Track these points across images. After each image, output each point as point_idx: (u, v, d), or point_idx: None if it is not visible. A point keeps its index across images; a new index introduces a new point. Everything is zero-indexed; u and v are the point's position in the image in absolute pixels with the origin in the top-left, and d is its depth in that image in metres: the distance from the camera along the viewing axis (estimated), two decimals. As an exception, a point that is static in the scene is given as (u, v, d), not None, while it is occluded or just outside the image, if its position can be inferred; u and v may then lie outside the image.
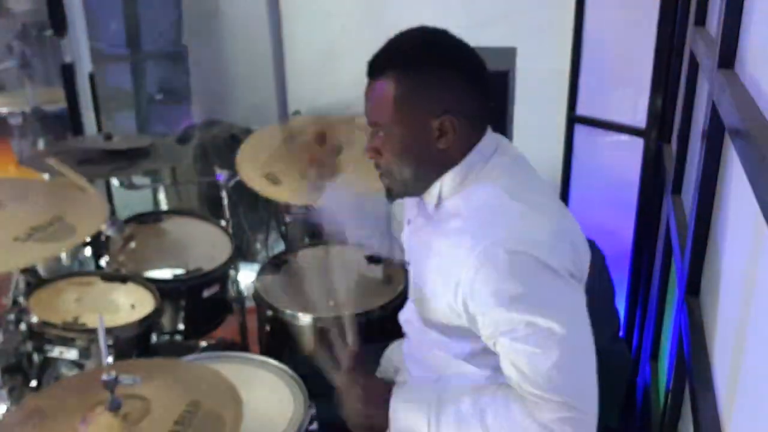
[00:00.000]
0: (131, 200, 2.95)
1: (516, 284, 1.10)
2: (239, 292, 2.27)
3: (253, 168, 2.11)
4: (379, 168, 1.29)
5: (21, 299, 1.77)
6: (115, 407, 1.22)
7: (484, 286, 1.12)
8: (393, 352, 1.59)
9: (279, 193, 2.05)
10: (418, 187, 1.30)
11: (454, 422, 1.19)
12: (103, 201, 1.91)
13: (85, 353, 1.70)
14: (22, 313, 1.73)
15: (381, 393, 1.27)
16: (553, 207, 1.24)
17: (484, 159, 1.24)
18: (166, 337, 2.10)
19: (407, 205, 1.44)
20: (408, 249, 1.40)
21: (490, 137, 1.27)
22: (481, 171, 1.24)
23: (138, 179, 2.37)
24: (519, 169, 1.27)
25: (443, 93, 1.21)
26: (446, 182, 1.25)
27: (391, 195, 1.32)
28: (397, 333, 1.65)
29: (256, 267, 2.18)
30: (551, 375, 1.10)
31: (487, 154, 1.25)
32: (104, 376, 1.21)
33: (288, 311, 1.94)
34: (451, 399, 1.21)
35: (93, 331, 1.69)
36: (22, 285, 1.82)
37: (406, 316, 1.45)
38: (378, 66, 1.25)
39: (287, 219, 2.37)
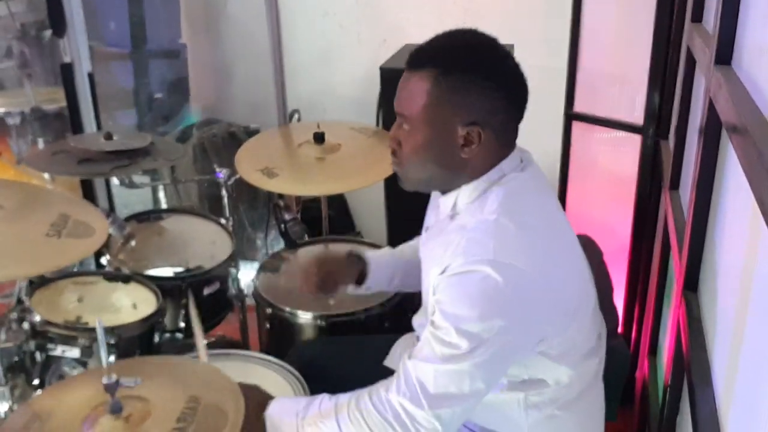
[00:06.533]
0: (131, 199, 2.96)
1: (470, 310, 1.12)
2: (240, 290, 2.28)
3: (250, 164, 2.13)
4: (395, 156, 1.28)
5: (24, 298, 1.78)
6: (116, 410, 1.22)
7: (448, 298, 1.14)
8: (401, 346, 1.59)
9: (275, 186, 2.07)
10: (430, 186, 1.31)
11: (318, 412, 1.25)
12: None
13: (87, 352, 1.71)
14: (24, 312, 1.74)
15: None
16: (547, 232, 1.23)
17: (502, 176, 1.24)
18: (167, 336, 2.10)
19: (428, 214, 1.45)
20: (422, 256, 1.40)
21: (515, 154, 1.26)
22: (498, 188, 1.22)
23: (138, 178, 2.36)
24: (530, 189, 1.26)
25: (477, 102, 1.19)
26: (462, 195, 1.25)
27: (402, 184, 1.32)
28: (397, 330, 1.66)
29: (256, 265, 2.18)
30: (427, 371, 1.14)
31: (507, 171, 1.24)
32: (105, 379, 1.21)
33: (287, 309, 1.94)
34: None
35: (95, 330, 1.68)
36: (24, 284, 1.83)
37: (420, 320, 1.46)
38: (419, 59, 1.21)
39: (287, 217, 2.38)
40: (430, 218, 1.42)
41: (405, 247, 1.70)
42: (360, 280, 1.63)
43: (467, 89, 1.18)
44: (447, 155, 1.22)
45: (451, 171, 1.24)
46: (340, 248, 2.27)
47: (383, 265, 1.64)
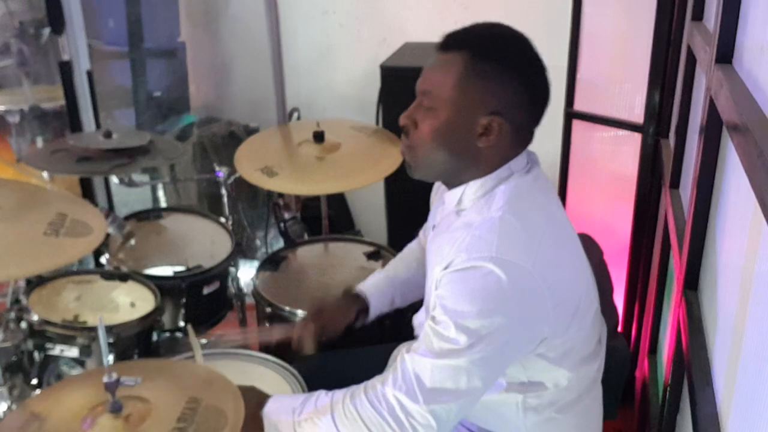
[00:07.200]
0: (130, 198, 2.96)
1: (470, 306, 1.11)
2: (239, 289, 2.28)
3: (250, 163, 2.13)
4: (407, 138, 1.27)
5: (21, 297, 1.77)
6: (116, 409, 1.22)
7: (450, 293, 1.14)
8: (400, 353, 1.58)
9: (275, 185, 2.06)
10: (439, 174, 1.30)
11: (314, 409, 1.24)
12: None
13: (85, 351, 1.71)
14: (22, 311, 1.73)
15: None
16: (551, 232, 1.22)
17: (510, 175, 1.24)
18: (167, 335, 2.10)
19: (433, 211, 1.44)
20: (428, 253, 1.40)
21: (523, 155, 1.26)
22: (506, 186, 1.22)
23: (137, 176, 2.36)
24: (536, 190, 1.26)
25: (504, 93, 1.19)
26: (469, 191, 1.25)
27: (411, 171, 1.30)
28: (396, 330, 1.66)
29: (256, 264, 2.18)
30: (424, 365, 1.13)
31: (515, 171, 1.24)
32: (106, 378, 1.21)
33: (287, 308, 1.94)
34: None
35: (93, 329, 1.69)
36: (21, 283, 1.82)
37: (420, 319, 1.45)
38: (454, 40, 1.22)
39: (286, 216, 2.38)
40: (436, 216, 1.41)
41: (398, 263, 1.69)
42: (360, 314, 1.64)
43: (496, 78, 1.19)
44: (463, 142, 1.21)
45: (463, 160, 1.24)
46: (339, 248, 2.27)
47: (381, 293, 1.65)
